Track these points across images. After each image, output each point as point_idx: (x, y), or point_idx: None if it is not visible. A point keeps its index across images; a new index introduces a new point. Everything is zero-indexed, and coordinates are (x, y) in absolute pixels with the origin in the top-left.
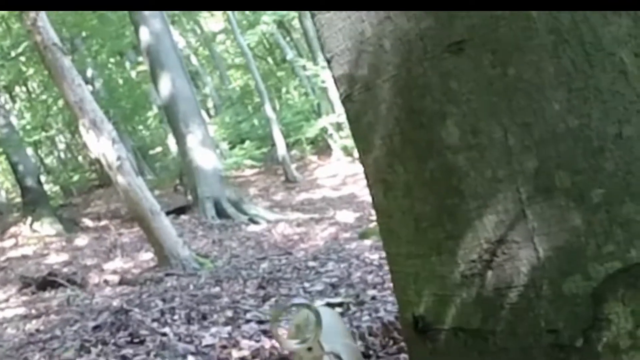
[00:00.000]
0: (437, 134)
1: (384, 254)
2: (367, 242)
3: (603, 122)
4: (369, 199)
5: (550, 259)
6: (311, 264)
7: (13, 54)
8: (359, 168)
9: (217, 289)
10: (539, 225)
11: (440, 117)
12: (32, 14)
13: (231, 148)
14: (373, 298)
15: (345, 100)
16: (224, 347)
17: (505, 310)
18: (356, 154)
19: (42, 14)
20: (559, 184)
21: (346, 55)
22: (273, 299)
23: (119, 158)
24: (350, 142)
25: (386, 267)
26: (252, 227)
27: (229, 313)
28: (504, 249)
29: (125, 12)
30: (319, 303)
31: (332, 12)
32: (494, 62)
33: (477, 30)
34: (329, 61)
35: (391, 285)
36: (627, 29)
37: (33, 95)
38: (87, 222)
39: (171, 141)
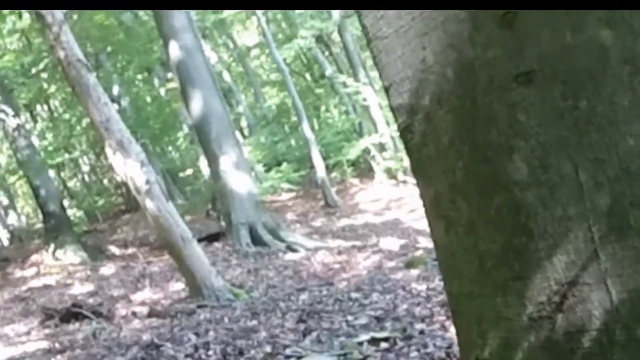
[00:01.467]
0: (503, 168)
1: (431, 285)
2: (414, 272)
3: None
4: (414, 224)
5: (624, 303)
6: (354, 295)
7: (34, 70)
8: (403, 191)
9: (254, 322)
10: (612, 266)
11: (506, 151)
12: (55, 28)
13: (267, 170)
14: (421, 332)
15: (405, 131)
16: None
17: (576, 356)
18: (400, 177)
19: (66, 28)
20: (634, 224)
21: (406, 83)
22: (314, 333)
23: (147, 182)
24: (394, 164)
25: (435, 299)
26: (290, 255)
27: (268, 348)
28: (575, 291)
29: (154, 25)
30: (363, 337)
31: (391, 38)
32: (565, 94)
33: (547, 60)
34: (387, 89)
35: (440, 318)
36: None
37: (55, 115)
38: (114, 249)
39: (203, 163)
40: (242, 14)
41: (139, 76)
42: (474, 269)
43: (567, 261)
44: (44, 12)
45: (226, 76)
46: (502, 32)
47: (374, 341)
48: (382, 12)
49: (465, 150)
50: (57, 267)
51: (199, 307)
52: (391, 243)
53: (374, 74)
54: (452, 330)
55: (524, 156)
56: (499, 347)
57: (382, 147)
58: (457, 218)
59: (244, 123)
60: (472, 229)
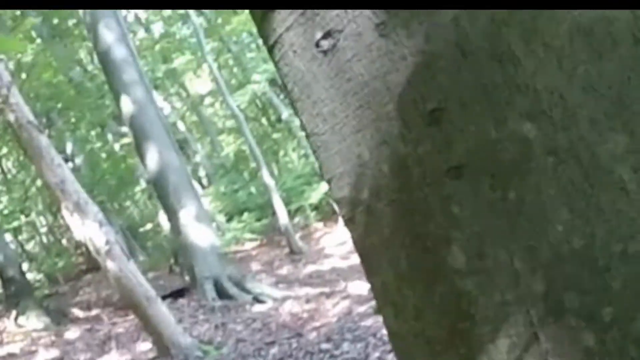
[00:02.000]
0: (443, 258)
1: None
2: None
3: (607, 241)
4: None
5: None
6: (325, 346)
7: None
8: None
9: None
10: (553, 346)
11: (444, 242)
12: (4, 90)
13: (228, 220)
14: None
15: (348, 222)
16: None
17: None
18: None
19: (14, 90)
20: (569, 305)
21: (345, 178)
22: None
23: (107, 242)
24: None
25: None
26: (258, 307)
27: None
28: None
29: (104, 79)
30: None
31: (327, 134)
32: (494, 185)
33: (475, 154)
34: (328, 182)
35: None
36: (625, 145)
37: (9, 176)
38: (77, 312)
39: (162, 217)
40: (193, 62)
41: (92, 132)
42: (424, 353)
43: (509, 344)
44: None
45: (181, 126)
46: (431, 129)
47: None
48: (317, 109)
49: (406, 241)
50: (20, 335)
51: None
52: (359, 287)
53: None
54: None
55: (461, 246)
56: None
57: None
58: (404, 305)
59: (202, 173)
60: (419, 315)
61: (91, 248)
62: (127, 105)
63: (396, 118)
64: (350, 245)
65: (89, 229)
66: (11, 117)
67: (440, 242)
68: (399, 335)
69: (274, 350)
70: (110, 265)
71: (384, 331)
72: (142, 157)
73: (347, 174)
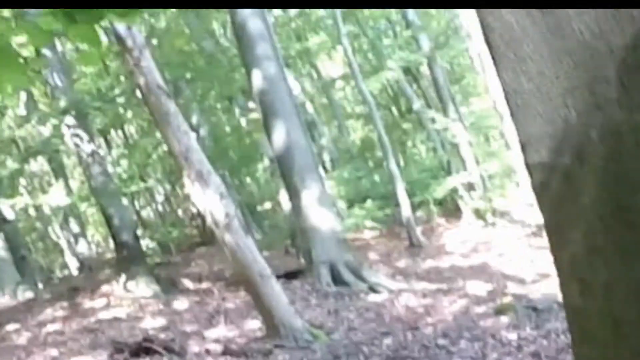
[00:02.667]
0: None
1: (523, 334)
2: (504, 319)
3: None
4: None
5: None
6: (441, 341)
7: (110, 95)
8: (492, 234)
9: None
10: None
11: None
12: (136, 52)
13: (349, 207)
14: None
15: (541, 189)
16: None
17: None
18: (489, 219)
19: (147, 53)
20: None
21: (545, 141)
22: None
23: (227, 215)
24: (483, 205)
25: (526, 349)
26: (373, 297)
27: None
28: None
29: (236, 53)
30: None
31: (531, 93)
32: None
33: None
34: (523, 145)
35: None
36: None
37: (130, 142)
38: (187, 283)
39: (283, 197)
40: (328, 43)
41: (219, 105)
42: (608, 334)
43: None
44: (124, 35)
45: (309, 108)
46: None
47: None
48: (523, 67)
49: (607, 212)
50: (128, 299)
51: (276, 347)
52: (478, 287)
53: (464, 109)
54: None
55: None
56: None
57: (470, 187)
58: (593, 282)
59: (326, 157)
60: (610, 293)
61: (209, 219)
62: (258, 80)
63: (615, 82)
64: (471, 244)
65: (209, 199)
66: (141, 80)
67: None
68: (582, 313)
69: (387, 340)
70: (227, 238)
71: (504, 333)
72: (268, 134)
73: (548, 137)
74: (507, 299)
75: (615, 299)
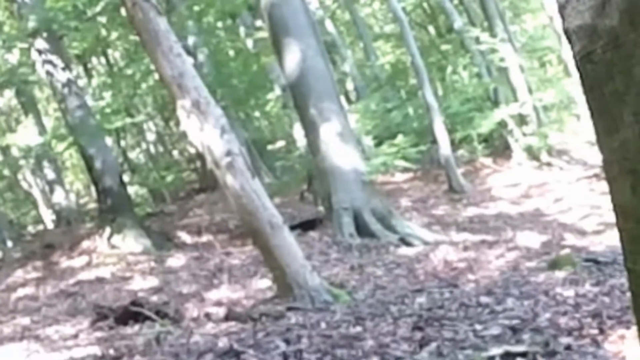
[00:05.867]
0: None
1: (581, 290)
2: (559, 274)
3: None
4: (559, 217)
5: None
6: (484, 299)
7: (90, 13)
8: (547, 176)
9: (358, 328)
10: None
11: None
12: None
13: (377, 144)
14: (567, 348)
15: (584, 60)
16: None
17: None
18: (544, 158)
19: None
20: None
21: (588, 1)
22: (433, 344)
23: (229, 153)
24: (536, 142)
25: (585, 308)
26: (404, 250)
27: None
28: None
29: None
30: (495, 351)
31: None
32: None
33: None
34: (562, 7)
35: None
36: None
37: (115, 69)
38: (184, 236)
39: (298, 133)
40: None
41: (221, 24)
42: None
43: None
44: None
45: (329, 26)
46: None
47: (507, 356)
48: None
49: None
50: (113, 257)
51: (289, 309)
52: (530, 239)
53: (515, 28)
54: (606, 346)
55: None
56: None
57: (522, 120)
58: None
59: (350, 85)
60: None
61: (208, 159)
62: None
63: None
64: (522, 188)
65: (208, 135)
66: None
67: None
68: (634, 215)
69: (421, 299)
70: (230, 181)
71: (559, 290)
72: (279, 57)
73: None
74: (564, 252)
75: None
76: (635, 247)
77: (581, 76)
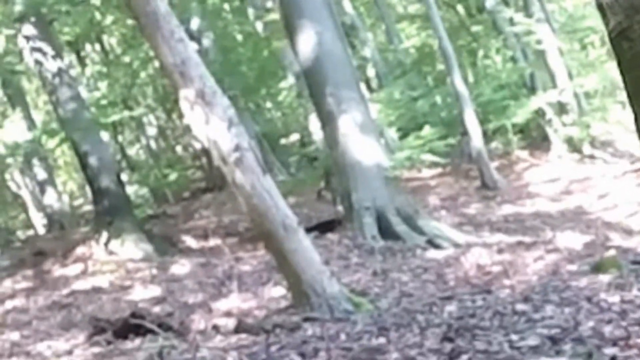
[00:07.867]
0: None
1: (628, 296)
2: (604, 279)
3: None
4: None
5: None
6: (520, 307)
7: None
8: (589, 170)
9: (382, 340)
10: None
11: None
12: None
13: (402, 137)
14: (613, 359)
15: (619, 37)
16: None
17: None
18: (586, 150)
19: None
20: None
21: None
22: (465, 356)
23: (237, 148)
24: (578, 132)
25: (632, 315)
26: (432, 253)
27: None
28: None
29: None
30: None
31: None
32: None
33: None
34: None
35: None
36: None
37: (111, 57)
38: (189, 241)
39: (314, 125)
40: None
41: (227, 5)
42: None
43: None
44: None
45: (348, 6)
46: None
47: None
48: None
49: None
50: (110, 264)
51: (306, 320)
52: (572, 239)
53: (553, 6)
54: None
55: None
56: None
57: (562, 109)
58: None
59: (371, 72)
60: None
61: (215, 154)
62: None
63: None
64: (563, 184)
65: (214, 128)
66: None
67: None
68: None
69: (451, 307)
70: (239, 178)
71: (603, 295)
72: (292, 42)
73: None
74: (608, 254)
75: None
76: None
77: (617, 55)
